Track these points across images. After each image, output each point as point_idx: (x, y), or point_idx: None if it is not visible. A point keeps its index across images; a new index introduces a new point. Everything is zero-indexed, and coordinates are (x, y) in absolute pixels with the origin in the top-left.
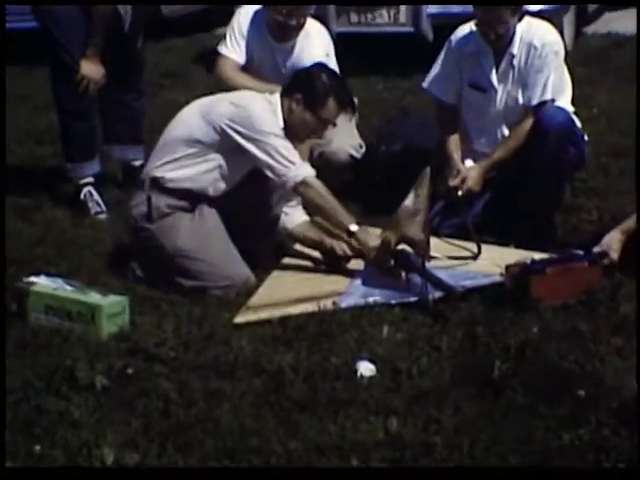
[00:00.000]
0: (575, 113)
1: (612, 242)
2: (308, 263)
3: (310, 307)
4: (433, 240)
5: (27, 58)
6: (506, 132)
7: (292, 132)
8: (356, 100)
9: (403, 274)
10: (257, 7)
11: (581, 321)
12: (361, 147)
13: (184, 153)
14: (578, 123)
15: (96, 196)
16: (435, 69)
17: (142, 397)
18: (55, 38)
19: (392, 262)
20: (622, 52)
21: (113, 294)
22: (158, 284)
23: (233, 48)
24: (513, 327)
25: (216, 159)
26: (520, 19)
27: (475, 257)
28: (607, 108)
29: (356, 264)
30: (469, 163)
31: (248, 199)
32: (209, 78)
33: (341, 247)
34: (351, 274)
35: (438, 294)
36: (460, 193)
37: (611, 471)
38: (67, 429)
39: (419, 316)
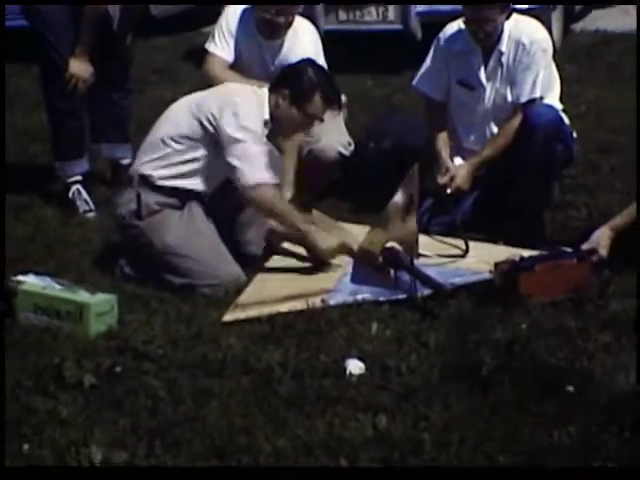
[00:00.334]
0: (563, 110)
1: (601, 239)
2: (296, 261)
3: (299, 305)
4: (422, 238)
5: (18, 57)
6: (495, 130)
7: (278, 127)
8: (345, 97)
9: (392, 271)
10: (245, 5)
11: (570, 318)
12: (350, 144)
13: (171, 150)
14: (566, 120)
15: (84, 194)
16: (424, 67)
17: (130, 395)
18: (44, 37)
19: (381, 259)
20: (610, 49)
21: (101, 292)
22: (147, 282)
23: (221, 46)
24: (502, 324)
25: (203, 155)
26: (508, 17)
27: (464, 255)
28: (596, 105)
29: (341, 260)
30: (458, 161)
31: (238, 196)
32: (197, 76)
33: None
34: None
35: (427, 291)
36: (449, 191)
37: (601, 469)
38: (55, 428)
39: (408, 313)
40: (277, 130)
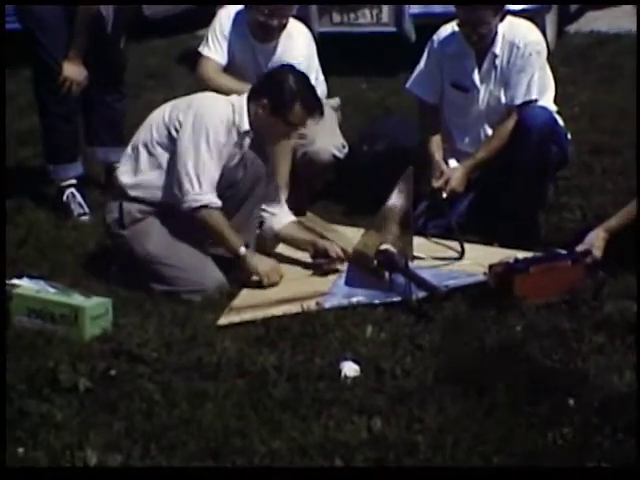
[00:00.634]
0: (558, 112)
1: (595, 240)
2: (290, 265)
3: (293, 308)
4: (417, 240)
5: (8, 60)
6: (489, 132)
7: (259, 136)
8: (339, 100)
9: (386, 274)
10: (239, 8)
11: (564, 320)
12: (344, 147)
13: (143, 158)
14: (561, 122)
15: (79, 198)
16: (417, 69)
17: (125, 399)
18: (38, 40)
19: (375, 262)
20: (604, 51)
21: (96, 296)
22: (139, 287)
23: (215, 49)
24: (496, 326)
25: (173, 163)
26: (502, 19)
27: (459, 257)
28: (590, 107)
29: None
30: (453, 163)
31: (224, 207)
32: (191, 79)
33: (334, 250)
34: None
35: (421, 294)
36: (444, 194)
37: (595, 470)
38: (50, 431)
39: (402, 316)
40: (259, 139)
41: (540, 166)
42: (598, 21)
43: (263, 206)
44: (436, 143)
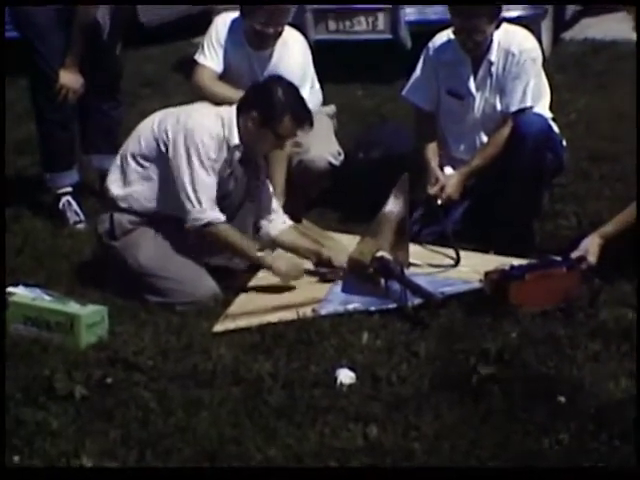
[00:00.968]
0: (553, 119)
1: (590, 246)
2: None
3: (289, 315)
4: (413, 247)
5: (7, 67)
6: (484, 139)
7: (249, 149)
8: (334, 107)
9: (382, 281)
10: (235, 15)
11: (559, 327)
12: (340, 154)
13: (131, 169)
14: (556, 129)
15: (75, 206)
16: (413, 77)
17: (121, 406)
18: (35, 48)
19: (371, 269)
20: (599, 58)
21: (92, 304)
22: (134, 296)
23: (210, 56)
24: (492, 333)
25: (159, 176)
26: (498, 26)
27: (455, 264)
28: (585, 113)
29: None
30: (448, 170)
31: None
32: (187, 86)
33: (339, 260)
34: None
35: (417, 301)
36: (439, 201)
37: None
38: (46, 439)
39: (398, 323)
40: (248, 150)
41: (535, 173)
42: (593, 28)
43: (259, 213)
44: (432, 150)
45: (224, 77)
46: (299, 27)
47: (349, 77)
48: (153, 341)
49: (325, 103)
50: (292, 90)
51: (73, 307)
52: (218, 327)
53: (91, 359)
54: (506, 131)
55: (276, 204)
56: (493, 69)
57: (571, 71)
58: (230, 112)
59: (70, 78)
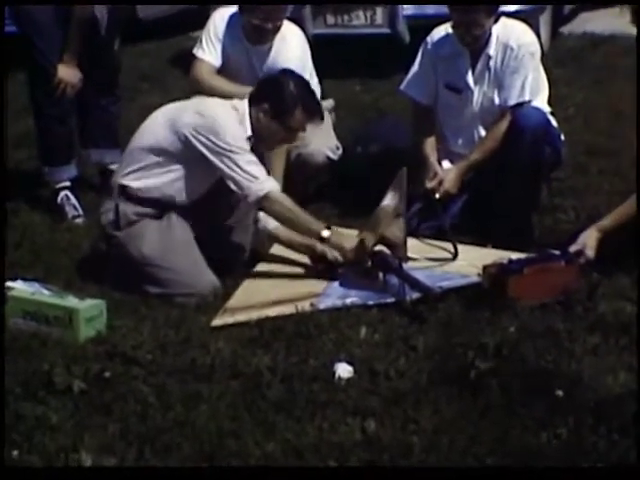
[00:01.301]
0: (551, 113)
1: (588, 240)
2: (284, 266)
3: (287, 309)
4: (411, 241)
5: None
6: (483, 133)
7: (260, 141)
8: (333, 102)
9: (380, 275)
10: (233, 10)
11: (558, 320)
12: (338, 149)
13: (150, 162)
14: (554, 123)
15: (73, 200)
16: (411, 71)
17: (120, 401)
18: (33, 43)
19: (369, 263)
20: (598, 52)
21: (90, 298)
22: (133, 289)
23: (209, 51)
24: (490, 327)
25: (181, 168)
26: (496, 20)
27: (454, 258)
28: (583, 107)
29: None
30: (446, 165)
31: (219, 207)
32: (186, 81)
33: (332, 253)
34: (329, 276)
35: (416, 295)
36: (437, 195)
37: (590, 470)
38: (45, 434)
39: (396, 317)
40: (259, 143)
41: (534, 167)
42: (592, 22)
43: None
44: (430, 144)
45: (222, 71)
46: (297, 21)
47: (347, 71)
48: (152, 335)
49: (323, 97)
50: (303, 83)
51: (71, 301)
52: (217, 321)
53: (89, 353)
54: (504, 125)
55: None
56: (491, 63)
57: (569, 65)
58: (243, 105)
59: (68, 73)
